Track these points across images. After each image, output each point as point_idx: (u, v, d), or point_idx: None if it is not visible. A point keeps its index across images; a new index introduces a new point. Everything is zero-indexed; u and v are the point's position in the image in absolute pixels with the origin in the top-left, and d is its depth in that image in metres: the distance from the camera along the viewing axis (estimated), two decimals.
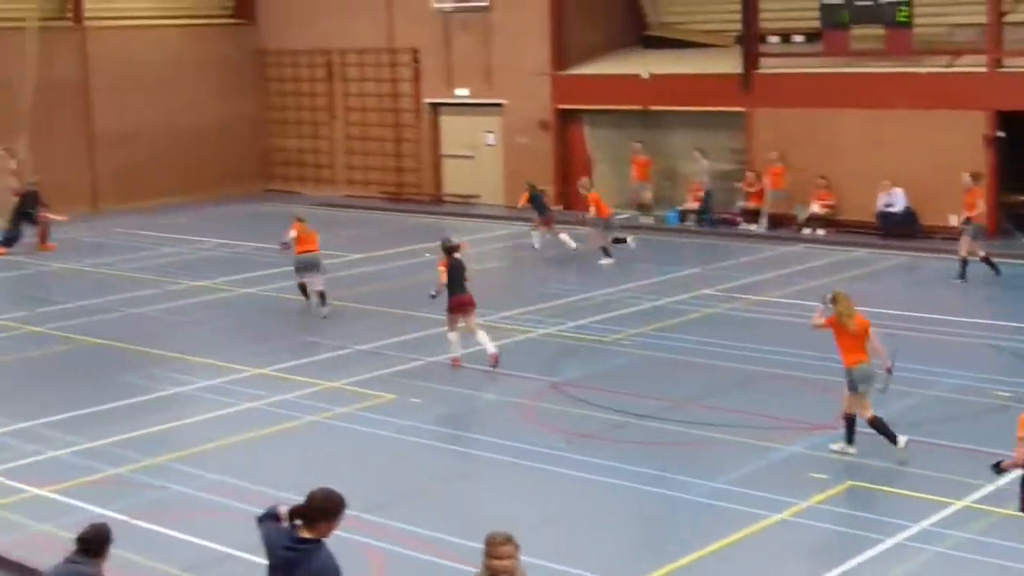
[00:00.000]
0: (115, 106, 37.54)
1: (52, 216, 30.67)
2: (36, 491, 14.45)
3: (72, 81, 36.53)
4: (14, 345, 21.77)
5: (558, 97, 34.79)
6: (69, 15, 36.87)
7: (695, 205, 32.46)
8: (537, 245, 28.40)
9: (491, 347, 19.11)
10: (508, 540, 7.90)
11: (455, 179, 37.31)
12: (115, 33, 37.23)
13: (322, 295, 23.31)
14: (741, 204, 31.86)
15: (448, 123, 36.79)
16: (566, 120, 35.01)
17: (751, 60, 31.79)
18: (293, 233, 23.36)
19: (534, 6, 34.66)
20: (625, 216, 32.11)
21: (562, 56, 34.84)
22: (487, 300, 24.47)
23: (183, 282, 26.43)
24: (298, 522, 7.95)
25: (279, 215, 31.38)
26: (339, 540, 8.19)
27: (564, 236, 28.32)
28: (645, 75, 33.07)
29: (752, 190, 31.48)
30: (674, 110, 32.87)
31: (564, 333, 21.49)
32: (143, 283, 26.61)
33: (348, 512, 7.89)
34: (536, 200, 28.40)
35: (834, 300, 14.66)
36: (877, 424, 14.72)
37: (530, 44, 34.16)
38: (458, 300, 19.38)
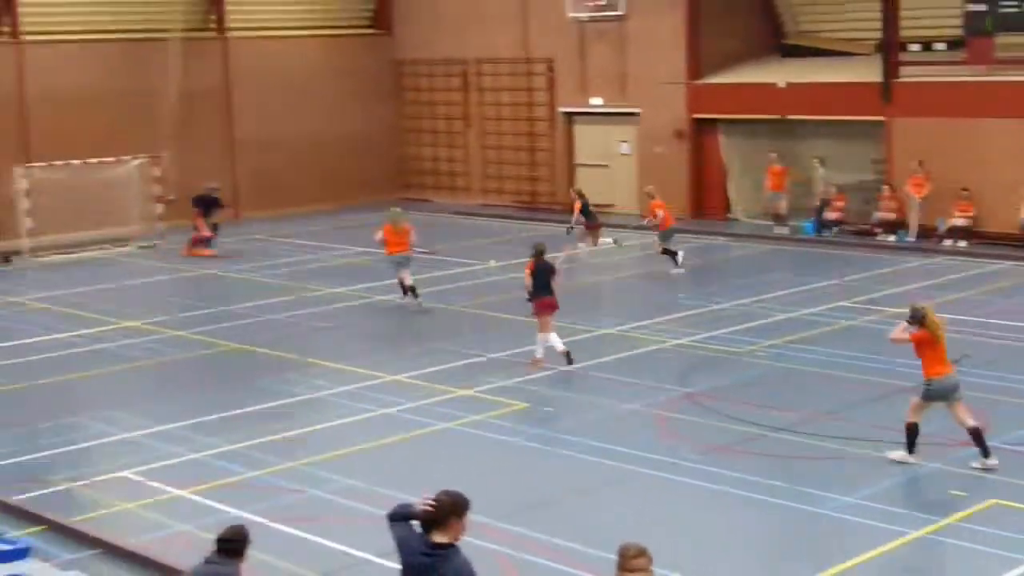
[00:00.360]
0: (255, 115, 38.04)
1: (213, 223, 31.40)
2: (177, 492, 14.69)
3: (214, 90, 37.18)
4: (157, 348, 22.25)
5: (693, 106, 34.57)
6: (212, 26, 37.50)
7: (833, 215, 31.98)
8: (586, 251, 29.15)
9: (560, 345, 19.92)
10: (642, 553, 7.87)
11: (589, 188, 37.20)
12: (256, 43, 37.83)
13: (412, 289, 24.50)
14: (878, 215, 31.31)
15: (582, 132, 36.84)
16: (701, 129, 34.75)
17: (891, 68, 31.29)
18: (379, 234, 24.66)
19: (670, 15, 34.48)
20: (759, 224, 31.44)
21: (698, 65, 34.62)
22: (621, 310, 24.45)
23: (321, 288, 26.72)
24: (424, 528, 8.03)
25: (415, 223, 31.49)
26: (470, 547, 8.23)
27: (603, 239, 29.45)
28: (781, 84, 32.70)
29: (889, 201, 30.88)
30: (811, 119, 32.40)
31: (698, 344, 21.37)
32: (282, 289, 27.00)
33: (480, 519, 7.91)
34: (585, 207, 28.90)
35: (923, 316, 14.91)
36: (976, 434, 14.90)
37: (665, 53, 34.00)
38: (541, 302, 19.99)
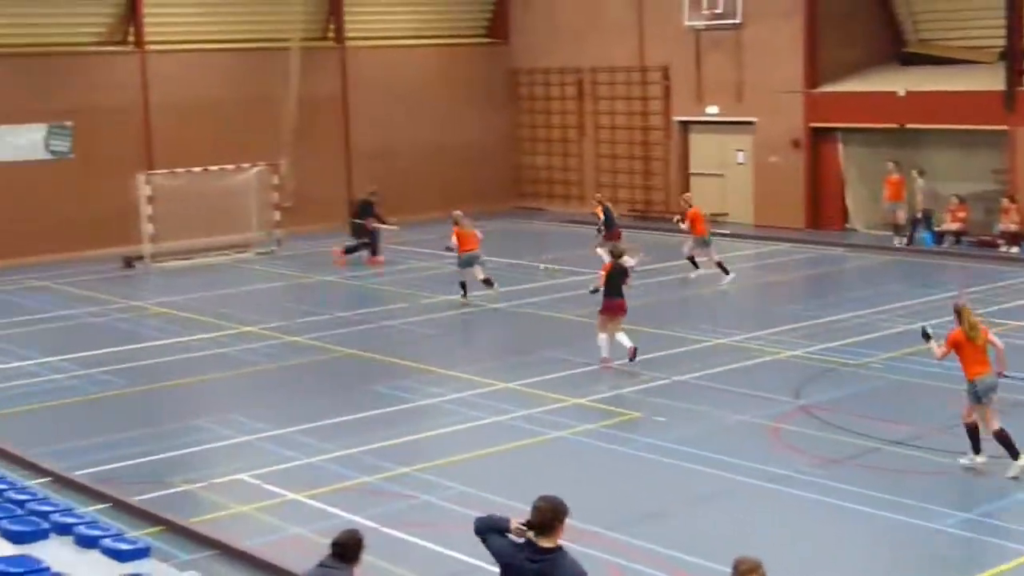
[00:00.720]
0: (372, 123, 38.37)
1: (382, 226, 31.49)
2: (292, 496, 14.80)
3: (332, 98, 37.64)
4: (274, 353, 22.53)
5: (811, 115, 34.26)
6: (331, 35, 37.86)
7: (953, 226, 31.49)
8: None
9: (628, 341, 20.33)
10: (756, 568, 7.87)
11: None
12: (374, 52, 38.22)
13: (487, 281, 25.85)
14: (1000, 227, 30.75)
15: (697, 141, 36.69)
16: (818, 138, 34.42)
17: (1014, 77, 30.71)
18: (454, 239, 25.88)
19: (787, 23, 34.20)
20: (876, 234, 31.00)
21: (816, 73, 34.31)
22: (734, 320, 23.92)
23: (436, 296, 26.99)
24: (530, 534, 8.10)
25: (529, 232, 31.65)
26: (581, 555, 8.31)
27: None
28: (901, 92, 32.27)
29: (1011, 213, 30.33)
30: (932, 128, 31.86)
31: (814, 355, 21.24)
32: (397, 296, 27.30)
33: (591, 528, 7.92)
34: (608, 214, 29.28)
35: (958, 314, 15.02)
36: (1002, 437, 14.67)
37: (783, 61, 33.75)
38: (609, 304, 20.50)
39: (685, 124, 36.62)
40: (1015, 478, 14.59)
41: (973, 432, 14.93)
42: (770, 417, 17.62)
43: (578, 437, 16.85)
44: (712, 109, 35.91)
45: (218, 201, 32.60)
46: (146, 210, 32.23)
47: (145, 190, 32.25)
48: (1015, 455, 14.55)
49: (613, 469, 15.51)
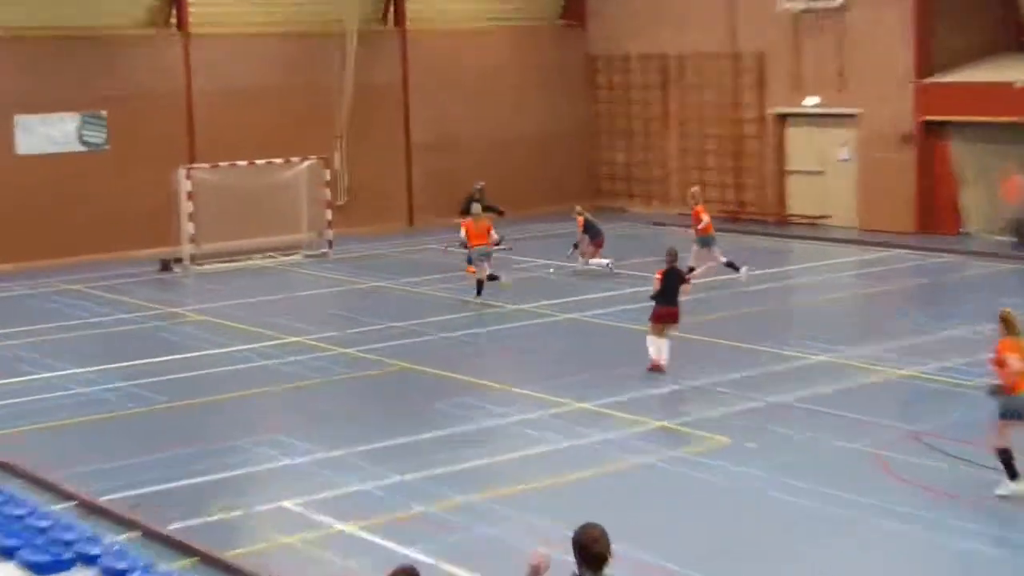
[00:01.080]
0: (434, 113, 38.61)
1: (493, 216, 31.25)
2: (342, 526, 14.69)
3: (390, 87, 37.89)
4: (324, 367, 22.50)
5: (923, 107, 33.63)
6: (389, 19, 37.95)
7: None
8: (581, 266, 30.33)
9: (664, 358, 20.97)
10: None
11: (802, 197, 36.57)
12: (436, 37, 38.09)
13: (492, 276, 26.93)
14: None
15: (795, 135, 36.89)
16: (931, 133, 33.76)
17: None
18: (463, 232, 27.04)
19: (896, 6, 33.86)
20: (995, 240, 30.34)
21: (928, 61, 33.76)
22: (838, 335, 23.71)
23: (502, 305, 26.91)
24: (593, 566, 8.08)
25: (610, 237, 31.27)
26: None
27: (596, 260, 30.29)
28: (1019, 84, 31.48)
29: None
30: None
31: (926, 375, 21.00)
32: (458, 305, 27.32)
33: (680, 569, 7.52)
34: (590, 226, 30.40)
35: (1005, 322, 15.32)
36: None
37: (891, 47, 33.33)
38: (664, 311, 21.09)
39: (781, 117, 36.37)
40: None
41: (1007, 459, 15.12)
42: (875, 444, 17.42)
43: (661, 464, 16.70)
44: (811, 100, 36.08)
45: (265, 198, 32.82)
46: (186, 207, 32.32)
47: (186, 185, 32.33)
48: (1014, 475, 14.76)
49: (702, 501, 15.31)
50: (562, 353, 23.05)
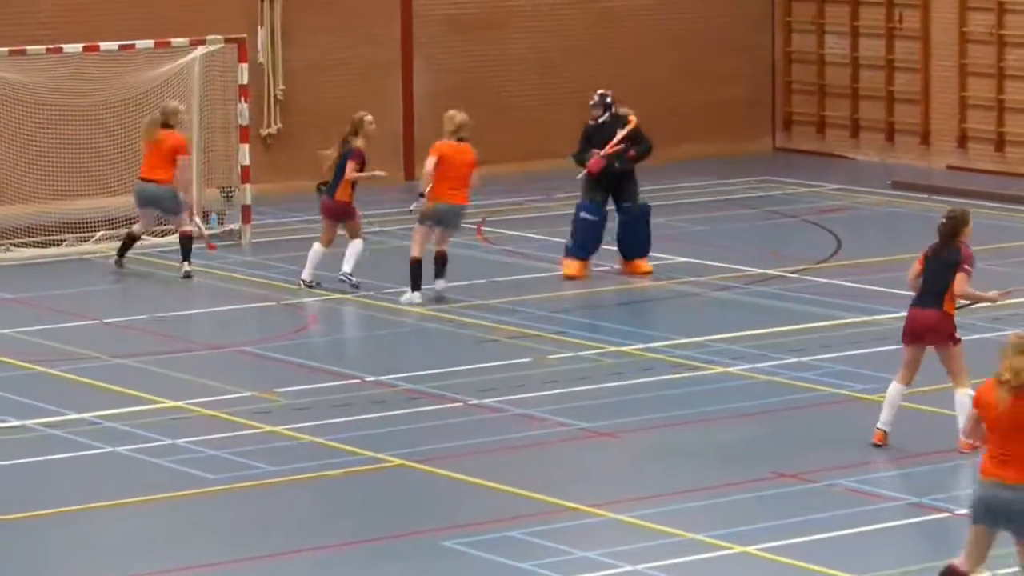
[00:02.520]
0: None
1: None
2: None
3: None
4: (243, 462, 16.21)
5: None
6: None
7: None
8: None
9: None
10: None
11: None
12: None
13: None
14: None
15: None
16: None
17: None
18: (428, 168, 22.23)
19: None
20: None
21: None
22: None
23: (597, 344, 20.47)
24: None
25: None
26: None
27: None
28: None
29: None
30: None
31: None
32: (500, 345, 20.78)
33: None
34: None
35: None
36: None
37: None
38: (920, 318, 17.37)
39: None
40: None
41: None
42: None
43: None
44: None
45: (120, 123, 25.13)
46: None
47: None
48: None
49: None
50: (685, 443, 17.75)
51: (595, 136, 24.27)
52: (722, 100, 33.48)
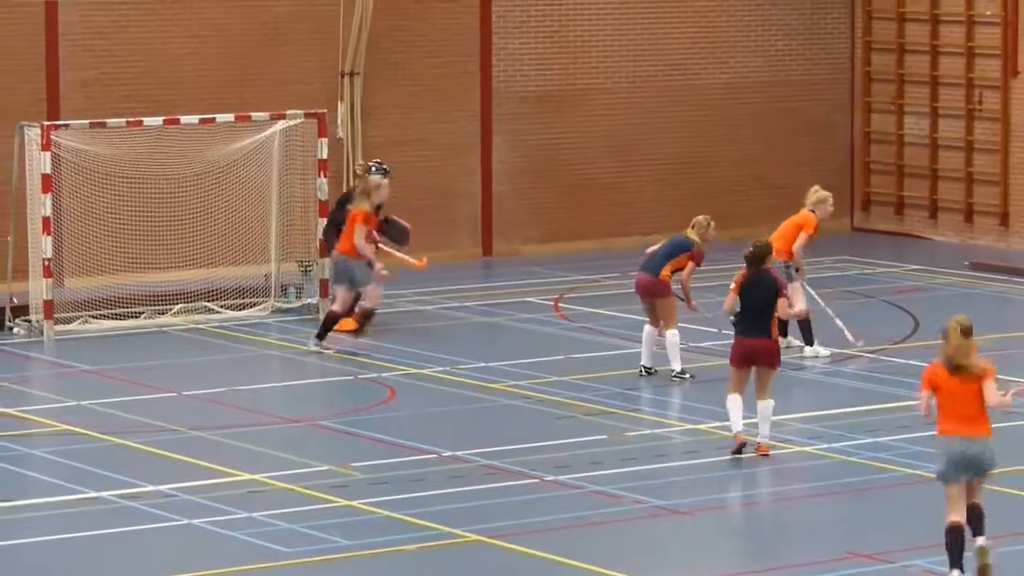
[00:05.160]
0: (543, 38, 29.47)
1: None
2: None
3: None
4: (318, 536, 16.09)
5: None
6: None
7: None
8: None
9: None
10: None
11: None
12: None
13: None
14: None
15: None
16: None
17: None
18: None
19: None
20: None
21: None
22: None
23: (711, 431, 19.97)
24: None
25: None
26: None
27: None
28: None
29: None
30: None
31: None
32: (586, 423, 20.60)
33: None
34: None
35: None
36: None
37: None
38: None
39: None
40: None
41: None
42: None
43: None
44: None
45: (196, 194, 25.33)
46: (39, 206, 24.51)
47: (38, 161, 24.31)
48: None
49: None
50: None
51: None
52: (801, 180, 33.30)
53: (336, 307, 24.73)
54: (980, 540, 14.22)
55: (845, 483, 19.17)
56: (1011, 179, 31.58)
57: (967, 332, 14.14)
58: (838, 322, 24.62)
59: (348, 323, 25.65)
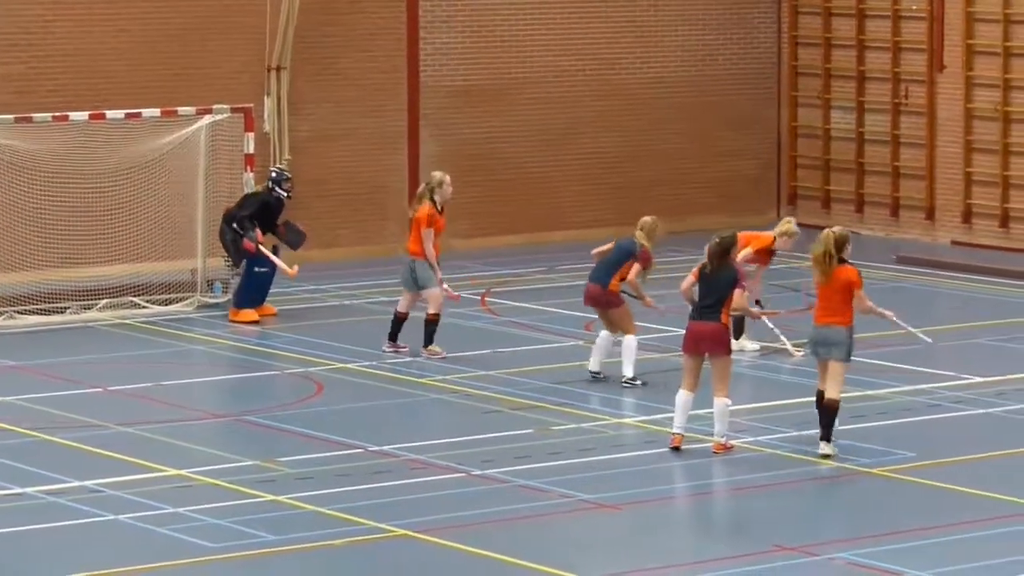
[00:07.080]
0: (470, 31, 29.55)
1: None
2: None
3: None
4: (242, 530, 16.09)
5: None
6: None
7: None
8: None
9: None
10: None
11: None
12: None
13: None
14: None
15: None
16: None
17: None
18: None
19: None
20: None
21: None
22: None
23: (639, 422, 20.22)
24: None
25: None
26: None
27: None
28: None
29: None
30: None
31: None
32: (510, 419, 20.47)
33: None
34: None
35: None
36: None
37: None
38: None
39: None
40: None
41: None
42: None
43: None
44: None
45: (124, 188, 25.28)
46: None
47: None
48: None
49: None
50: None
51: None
52: (728, 174, 33.25)
53: (400, 307, 23.73)
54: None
55: (771, 476, 18.95)
56: (937, 173, 31.69)
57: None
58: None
59: (251, 314, 25.51)
